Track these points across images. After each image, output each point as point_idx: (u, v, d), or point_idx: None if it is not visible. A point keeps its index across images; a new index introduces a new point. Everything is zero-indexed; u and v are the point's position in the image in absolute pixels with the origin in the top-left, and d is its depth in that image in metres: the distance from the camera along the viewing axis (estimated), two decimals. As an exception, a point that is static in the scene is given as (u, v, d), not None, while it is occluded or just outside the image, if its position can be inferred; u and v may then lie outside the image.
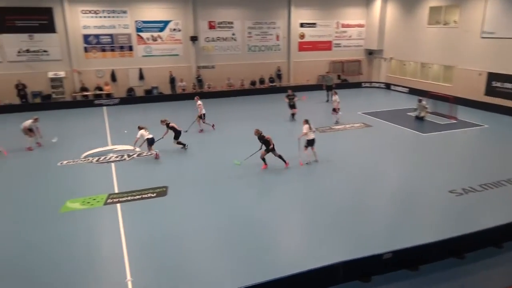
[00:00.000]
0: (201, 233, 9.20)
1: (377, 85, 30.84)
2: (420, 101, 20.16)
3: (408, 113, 21.28)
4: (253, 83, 28.77)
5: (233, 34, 28.12)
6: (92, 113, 22.47)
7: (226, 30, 27.91)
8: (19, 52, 23.74)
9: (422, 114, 19.95)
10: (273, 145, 12.94)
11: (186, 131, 17.35)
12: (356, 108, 22.65)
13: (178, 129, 15.29)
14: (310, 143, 13.52)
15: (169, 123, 15.04)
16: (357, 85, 30.83)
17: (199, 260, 8.22)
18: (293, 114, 19.93)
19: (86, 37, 24.93)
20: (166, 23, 26.44)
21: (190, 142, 15.73)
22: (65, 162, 14.12)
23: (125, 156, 14.69)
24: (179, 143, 15.31)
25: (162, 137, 14.82)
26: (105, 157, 14.60)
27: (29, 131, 15.51)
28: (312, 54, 30.40)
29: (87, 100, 24.77)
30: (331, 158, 14.23)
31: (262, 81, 29.00)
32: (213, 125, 18.62)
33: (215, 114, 21.72)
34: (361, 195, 11.30)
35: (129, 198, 11.10)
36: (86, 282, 7.56)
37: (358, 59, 31.70)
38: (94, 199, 11.01)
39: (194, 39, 26.80)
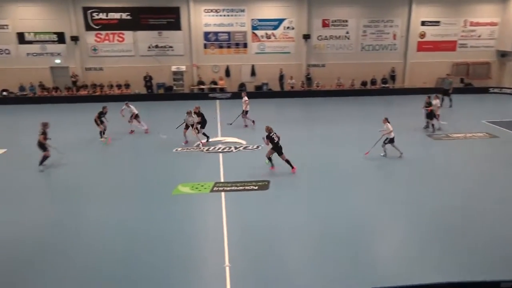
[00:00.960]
0: (298, 231, 9.19)
1: (509, 91, 27.23)
2: None
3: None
4: (364, 83, 27.77)
5: (347, 33, 27.45)
6: (206, 105, 23.97)
7: (340, 28, 27.37)
8: (149, 47, 26.55)
9: None
10: (279, 146, 12.40)
11: (231, 124, 18.45)
12: (480, 115, 20.31)
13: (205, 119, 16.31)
14: (392, 140, 13.87)
15: (200, 112, 16.18)
16: (484, 90, 27.63)
17: (294, 257, 8.23)
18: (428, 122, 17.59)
19: (206, 34, 26.74)
20: (280, 21, 26.96)
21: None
22: (179, 149, 15.39)
23: (232, 148, 15.43)
24: (204, 134, 16.10)
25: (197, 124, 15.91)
26: (215, 147, 15.52)
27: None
28: (432, 55, 28.11)
29: (203, 93, 26.61)
30: (443, 166, 13.03)
31: (373, 82, 27.81)
32: (253, 121, 18.58)
33: (321, 112, 21.63)
34: (468, 214, 10.11)
35: (233, 188, 11.62)
36: (188, 261, 8.13)
37: (487, 61, 28.38)
38: (202, 186, 11.77)
39: (306, 37, 26.87)
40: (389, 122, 13.85)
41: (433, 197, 10.85)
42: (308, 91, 26.97)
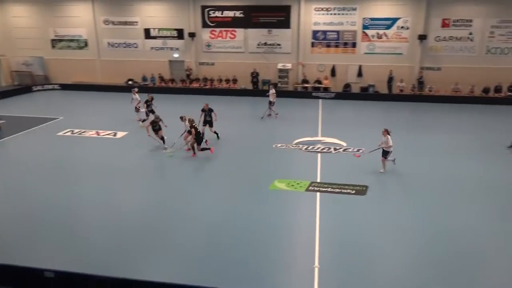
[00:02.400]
0: (392, 241, 8.69)
1: None
2: None
3: None
4: (486, 90, 24.93)
5: (470, 34, 24.90)
6: (309, 104, 24.03)
7: (462, 29, 24.94)
8: (258, 44, 27.38)
9: None
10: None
11: (262, 118, 19.70)
12: None
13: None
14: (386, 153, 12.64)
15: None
16: None
17: (384, 266, 7.81)
18: None
19: (314, 33, 26.60)
20: (394, 20, 25.58)
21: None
22: (279, 145, 15.62)
23: (332, 149, 15.15)
24: (215, 132, 16.42)
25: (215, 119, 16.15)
26: (313, 147, 15.42)
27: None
28: None
29: (306, 91, 26.59)
30: None
31: (498, 90, 24.81)
32: (277, 114, 20.21)
33: (433, 119, 20.11)
34: None
35: (329, 189, 11.42)
36: (277, 257, 8.23)
37: None
38: (298, 184, 11.79)
39: (422, 37, 25.06)
40: (389, 134, 12.42)
41: None
42: (419, 96, 25.18)
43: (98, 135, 16.89)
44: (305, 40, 26.75)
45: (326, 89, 26.48)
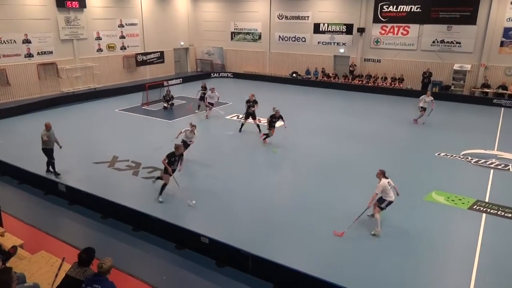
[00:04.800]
0: None
1: None
2: None
3: None
4: None
5: None
6: (487, 112, 20.92)
7: None
8: (433, 42, 25.00)
9: None
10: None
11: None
12: None
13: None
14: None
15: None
16: None
17: None
18: None
19: (507, 31, 22.86)
20: None
21: None
22: (443, 154, 14.07)
23: (510, 167, 12.92)
24: (258, 125, 15.89)
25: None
26: (486, 161, 13.40)
27: None
28: None
29: (486, 97, 23.17)
30: None
31: None
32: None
33: None
34: None
35: (498, 212, 9.82)
36: (428, 276, 7.52)
37: None
38: (460, 199, 10.47)
39: None
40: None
41: None
42: None
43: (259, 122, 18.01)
44: (494, 38, 23.19)
45: (511, 96, 22.58)
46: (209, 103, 18.69)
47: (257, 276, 7.28)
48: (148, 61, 29.08)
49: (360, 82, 27.04)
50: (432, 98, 17.94)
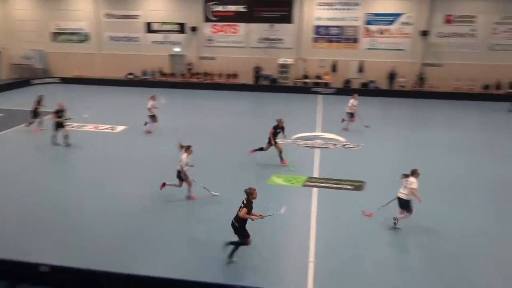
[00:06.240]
0: (391, 236, 8.67)
1: None
2: None
3: None
4: (486, 87, 24.81)
5: (473, 30, 24.72)
6: (308, 99, 23.93)
7: (465, 25, 24.78)
8: (260, 39, 27.27)
9: None
10: None
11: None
12: None
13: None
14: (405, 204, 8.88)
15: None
16: None
17: (381, 262, 7.78)
18: None
19: (317, 28, 26.48)
20: (397, 16, 25.44)
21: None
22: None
23: (330, 145, 15.10)
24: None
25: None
26: (312, 142, 15.36)
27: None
28: None
29: (306, 86, 26.52)
30: None
31: (498, 86, 24.67)
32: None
33: (433, 115, 19.99)
34: None
35: (326, 185, 11.39)
36: (272, 252, 8.21)
37: None
38: (295, 179, 11.75)
39: (425, 33, 24.91)
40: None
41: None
42: (420, 92, 25.06)
43: (97, 129, 16.85)
44: (307, 35, 26.63)
45: (326, 85, 26.38)
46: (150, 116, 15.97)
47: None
48: None
49: (198, 79, 27.68)
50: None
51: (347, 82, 26.57)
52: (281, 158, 12.87)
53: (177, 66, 28.67)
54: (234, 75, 27.52)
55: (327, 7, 26.01)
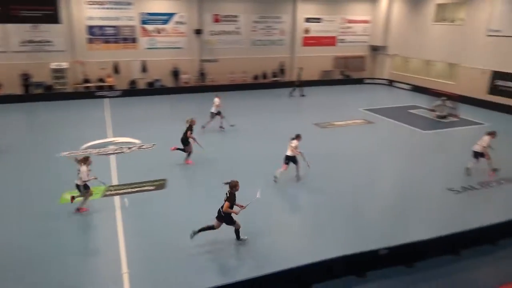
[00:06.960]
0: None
1: (379, 81, 30.70)
2: (443, 101, 19.86)
3: (409, 111, 21.31)
4: (255, 77, 28.74)
5: (238, 28, 28.02)
6: (93, 104, 22.49)
7: (231, 23, 27.83)
8: (22, 42, 23.80)
9: (444, 113, 19.73)
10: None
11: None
12: (358, 104, 22.62)
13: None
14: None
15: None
16: (359, 81, 30.74)
17: (194, 254, 8.25)
18: None
19: (90, 28, 24.92)
20: (171, 15, 26.38)
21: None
22: (65, 153, 14.12)
23: (125, 149, 14.72)
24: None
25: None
26: (105, 149, 14.63)
27: None
28: (316, 49, 30.26)
29: (89, 91, 24.79)
30: (332, 153, 14.23)
31: (265, 76, 28.96)
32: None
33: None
34: (359, 191, 11.29)
35: (128, 190, 11.13)
36: (82, 271, 7.62)
37: (362, 55, 31.57)
38: (93, 191, 11.03)
39: (198, 32, 26.75)
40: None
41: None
42: (202, 86, 26.94)
43: None
44: (80, 36, 24.74)
45: (111, 87, 25.32)
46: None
47: None
48: None
49: None
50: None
51: (133, 83, 26.15)
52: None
53: None
54: (-2, 86, 23.24)
55: (97, 6, 24.70)
